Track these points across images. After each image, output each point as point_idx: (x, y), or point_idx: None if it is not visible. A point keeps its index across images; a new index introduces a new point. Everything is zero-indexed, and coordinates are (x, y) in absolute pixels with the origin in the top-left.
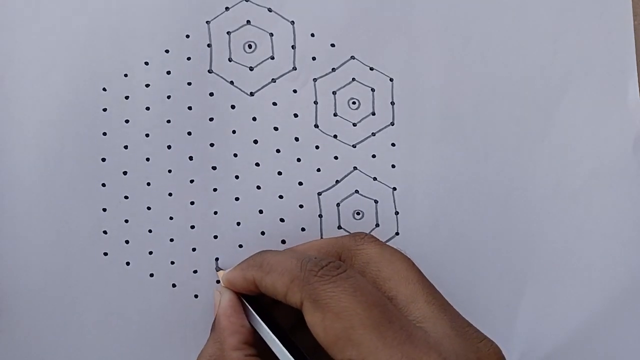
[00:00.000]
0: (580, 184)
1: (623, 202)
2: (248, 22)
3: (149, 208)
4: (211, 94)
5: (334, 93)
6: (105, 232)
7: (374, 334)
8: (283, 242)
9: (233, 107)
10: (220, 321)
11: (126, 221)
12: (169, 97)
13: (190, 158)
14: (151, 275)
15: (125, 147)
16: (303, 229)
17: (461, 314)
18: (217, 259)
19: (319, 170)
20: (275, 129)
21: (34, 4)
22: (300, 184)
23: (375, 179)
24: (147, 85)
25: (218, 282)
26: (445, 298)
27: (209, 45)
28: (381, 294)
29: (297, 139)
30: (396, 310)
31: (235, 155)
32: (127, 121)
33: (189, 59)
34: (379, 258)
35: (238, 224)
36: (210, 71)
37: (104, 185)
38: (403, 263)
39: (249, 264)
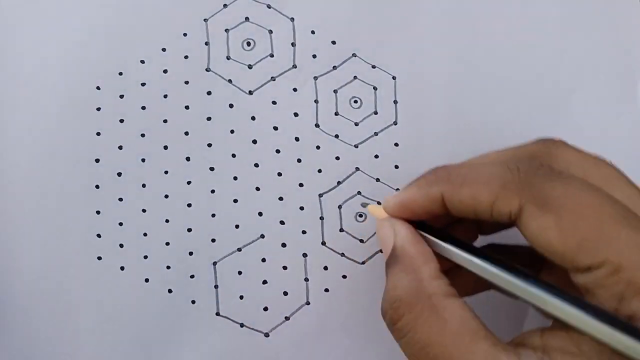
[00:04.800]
0: None
1: None
2: (247, 19)
3: (144, 210)
4: (209, 93)
5: (335, 92)
6: (99, 236)
7: (631, 229)
8: (283, 245)
9: (231, 106)
10: (408, 250)
11: (120, 224)
12: (165, 96)
13: (187, 159)
14: (146, 280)
15: (120, 147)
16: (304, 232)
17: None
18: (362, 203)
19: (320, 171)
20: (275, 128)
21: (28, 2)
22: (301, 185)
23: (378, 180)
24: (143, 84)
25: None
26: None
27: (206, 43)
28: None
29: (297, 139)
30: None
31: (234, 155)
32: (121, 121)
33: (186, 57)
34: (580, 162)
35: (236, 226)
36: (208, 69)
37: (97, 187)
38: (610, 168)
39: (428, 180)
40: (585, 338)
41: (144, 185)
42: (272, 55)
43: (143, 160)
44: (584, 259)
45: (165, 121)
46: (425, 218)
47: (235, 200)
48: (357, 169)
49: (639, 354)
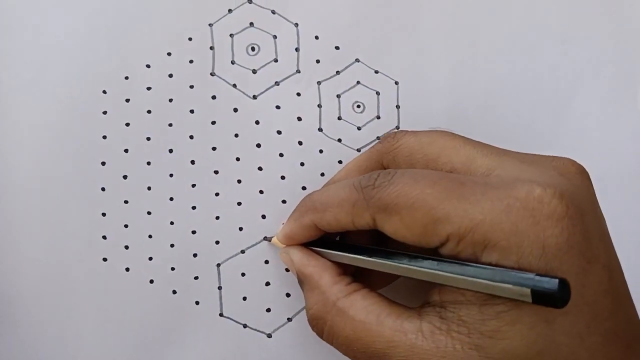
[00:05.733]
0: None
1: (634, 206)
2: (251, 24)
3: (149, 213)
4: (213, 97)
5: (339, 96)
6: (104, 238)
7: (455, 200)
8: None
9: (236, 110)
10: (304, 272)
11: (126, 226)
12: (170, 100)
13: (192, 162)
14: (151, 281)
15: (126, 150)
16: None
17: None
18: (265, 237)
19: (322, 174)
20: (279, 132)
21: (32, 4)
22: (304, 188)
23: None
24: (149, 88)
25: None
26: (500, 148)
27: (211, 48)
28: (440, 171)
29: (300, 143)
30: (461, 175)
31: (238, 159)
32: (127, 124)
33: (191, 61)
34: (418, 145)
35: (240, 229)
36: (212, 74)
37: (103, 189)
38: (444, 136)
39: (300, 212)
40: None
41: (149, 188)
42: (276, 60)
43: (148, 163)
44: (432, 241)
45: (170, 125)
46: (310, 239)
47: (239, 203)
48: None
49: (492, 290)
